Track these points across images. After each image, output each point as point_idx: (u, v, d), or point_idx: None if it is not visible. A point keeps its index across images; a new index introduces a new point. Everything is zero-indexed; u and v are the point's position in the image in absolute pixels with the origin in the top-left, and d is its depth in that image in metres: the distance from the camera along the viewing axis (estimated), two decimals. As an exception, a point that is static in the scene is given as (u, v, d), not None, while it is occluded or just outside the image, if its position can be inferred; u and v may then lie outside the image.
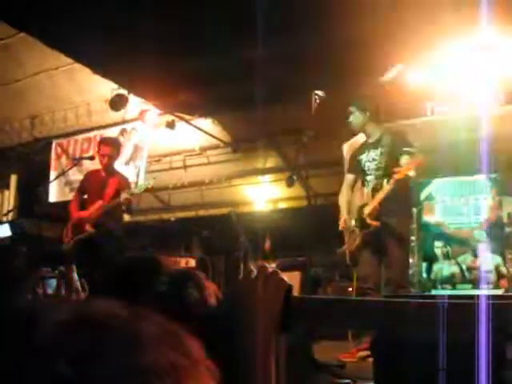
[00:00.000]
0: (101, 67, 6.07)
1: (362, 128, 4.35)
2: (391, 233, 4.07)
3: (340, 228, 4.33)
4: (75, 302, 0.59)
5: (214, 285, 1.03)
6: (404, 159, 4.04)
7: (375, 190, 4.14)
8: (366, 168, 4.28)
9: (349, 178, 4.50)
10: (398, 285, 3.97)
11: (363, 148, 4.39)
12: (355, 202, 4.39)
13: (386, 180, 4.10)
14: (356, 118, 4.29)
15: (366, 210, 4.12)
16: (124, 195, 4.89)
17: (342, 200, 4.44)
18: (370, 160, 4.25)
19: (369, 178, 4.25)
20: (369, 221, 4.09)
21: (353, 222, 4.25)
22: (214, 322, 0.82)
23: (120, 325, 0.52)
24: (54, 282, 2.93)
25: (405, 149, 4.10)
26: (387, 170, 4.11)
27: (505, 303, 1.01)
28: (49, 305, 0.60)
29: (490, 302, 0.89)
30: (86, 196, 5.27)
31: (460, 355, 1.03)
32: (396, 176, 3.95)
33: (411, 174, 4.00)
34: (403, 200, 4.19)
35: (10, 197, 9.31)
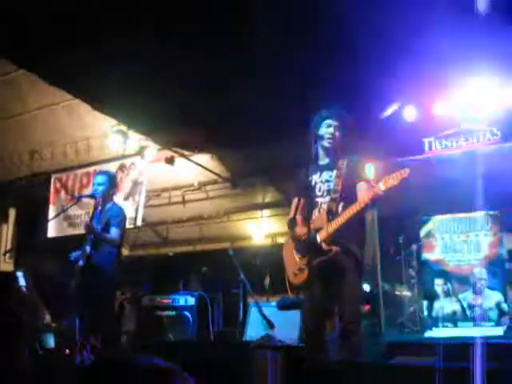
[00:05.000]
0: (101, 103, 6.11)
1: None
2: (350, 259, 3.66)
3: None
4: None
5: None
6: (361, 185, 3.73)
7: (331, 213, 3.70)
8: (317, 189, 3.85)
9: (294, 200, 4.04)
10: (349, 320, 3.57)
11: (313, 169, 3.96)
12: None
13: (341, 204, 3.73)
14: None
15: (321, 236, 3.67)
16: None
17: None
18: (323, 181, 3.86)
19: (320, 199, 3.83)
20: (325, 246, 3.64)
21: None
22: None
23: None
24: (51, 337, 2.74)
25: (362, 176, 3.82)
26: (344, 193, 3.76)
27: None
28: None
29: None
30: None
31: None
32: (372, 193, 3.47)
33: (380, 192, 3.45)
34: (359, 225, 3.76)
35: (8, 231, 9.27)
